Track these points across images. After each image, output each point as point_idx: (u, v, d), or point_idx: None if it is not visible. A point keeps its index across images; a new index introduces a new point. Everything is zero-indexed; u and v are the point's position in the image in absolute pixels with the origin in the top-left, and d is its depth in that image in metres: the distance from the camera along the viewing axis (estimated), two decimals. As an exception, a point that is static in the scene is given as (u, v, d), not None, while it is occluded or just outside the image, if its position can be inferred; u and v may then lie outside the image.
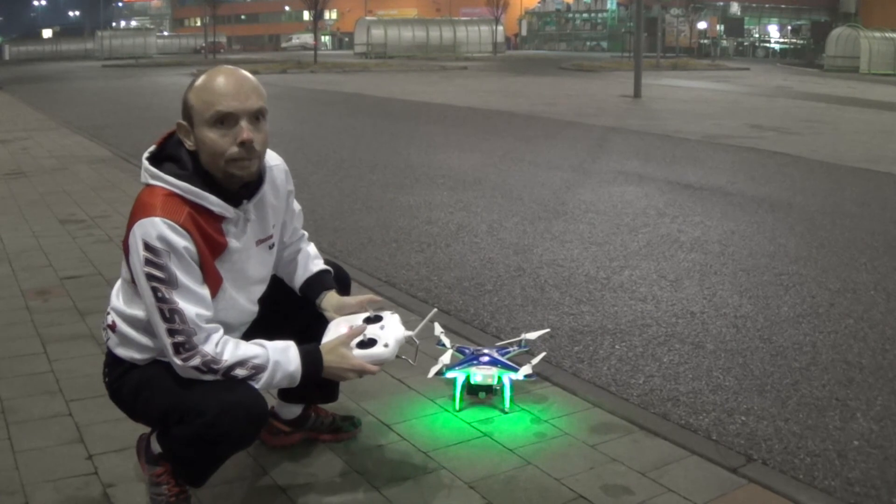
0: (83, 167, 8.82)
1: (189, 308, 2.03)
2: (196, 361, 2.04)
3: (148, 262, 2.01)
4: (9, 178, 8.13)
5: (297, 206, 2.54)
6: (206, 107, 2.07)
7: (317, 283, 2.52)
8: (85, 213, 6.43)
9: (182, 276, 2.03)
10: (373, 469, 2.61)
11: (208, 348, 2.05)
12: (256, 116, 2.12)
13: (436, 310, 2.70)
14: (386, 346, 2.27)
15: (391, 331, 2.30)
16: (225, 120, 2.07)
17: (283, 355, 2.13)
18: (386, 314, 2.38)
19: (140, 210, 2.06)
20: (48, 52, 63.98)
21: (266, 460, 2.65)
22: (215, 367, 2.04)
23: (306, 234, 2.62)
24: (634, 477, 2.58)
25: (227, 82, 2.09)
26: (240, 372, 2.07)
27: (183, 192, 2.08)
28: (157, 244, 2.01)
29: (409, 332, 2.34)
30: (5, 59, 60.30)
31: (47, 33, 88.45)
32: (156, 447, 2.29)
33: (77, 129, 12.66)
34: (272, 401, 2.74)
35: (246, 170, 2.13)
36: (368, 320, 2.34)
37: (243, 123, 2.08)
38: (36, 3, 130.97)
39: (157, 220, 2.02)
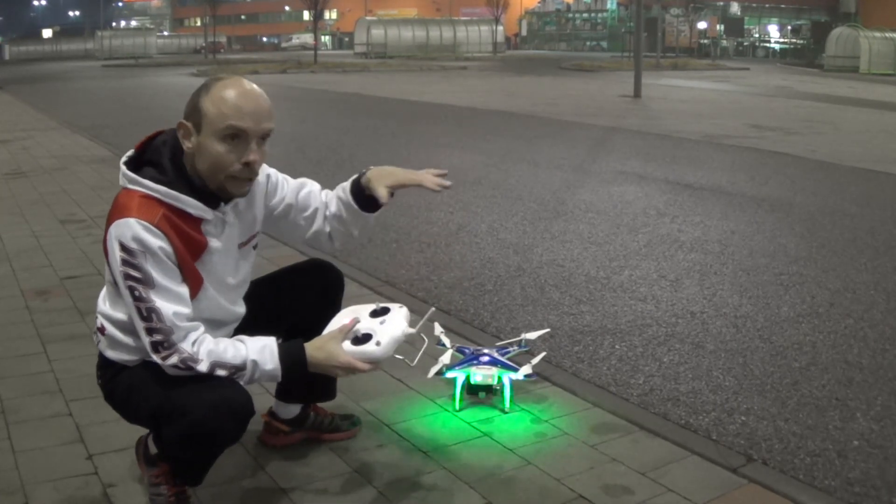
0: (83, 167, 8.83)
1: (166, 306, 2.03)
2: (174, 359, 2.04)
3: (124, 263, 2.02)
4: (9, 178, 8.13)
5: (279, 176, 2.43)
6: (221, 119, 2.07)
7: (355, 185, 2.41)
8: (85, 213, 6.43)
9: (158, 276, 2.04)
10: (373, 469, 2.61)
11: (185, 346, 2.05)
12: (263, 137, 2.14)
13: (433, 309, 2.69)
14: (378, 344, 2.17)
15: (389, 328, 2.21)
16: (236, 137, 2.09)
17: (260, 354, 2.11)
18: (394, 307, 2.30)
19: (116, 212, 2.08)
20: (48, 52, 64.02)
21: (266, 460, 2.65)
22: (193, 365, 2.05)
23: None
24: (634, 477, 2.58)
25: (248, 99, 2.10)
26: (220, 372, 2.07)
27: (160, 196, 2.09)
28: (132, 244, 2.02)
29: (411, 330, 2.25)
30: (5, 59, 60.32)
31: (47, 33, 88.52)
32: (153, 448, 2.30)
33: (77, 129, 12.66)
34: (271, 400, 2.75)
35: (241, 189, 2.17)
36: (375, 313, 2.27)
37: (253, 145, 2.11)
38: (36, 3, 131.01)
39: (132, 220, 2.03)
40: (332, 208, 2.45)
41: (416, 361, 2.37)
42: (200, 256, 2.17)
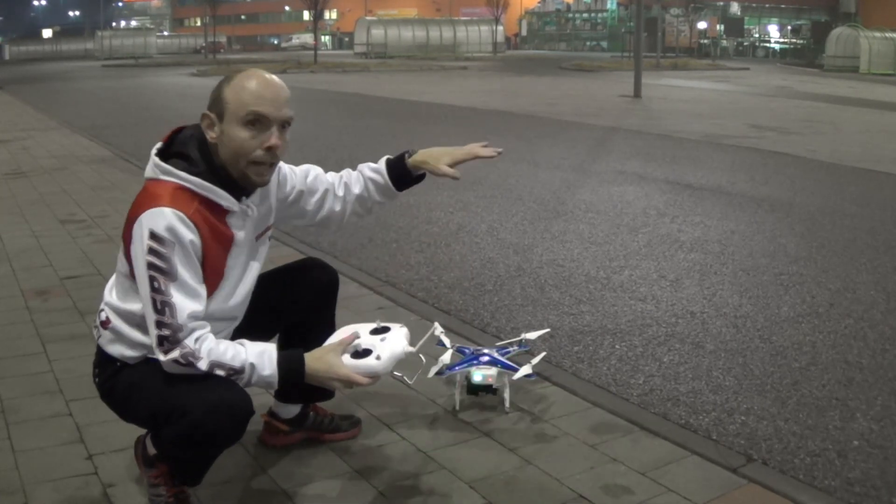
0: (83, 167, 8.83)
1: (182, 303, 2.03)
2: (175, 354, 2.04)
3: (151, 251, 2.02)
4: (9, 178, 8.13)
5: (286, 167, 2.47)
6: (242, 106, 2.11)
7: (396, 164, 2.51)
8: (85, 213, 6.43)
9: (182, 270, 2.04)
10: (373, 469, 2.61)
11: (188, 342, 2.05)
12: (284, 125, 2.17)
13: (437, 324, 2.69)
14: (378, 358, 2.18)
15: (390, 344, 2.22)
16: (258, 122, 2.12)
17: (259, 358, 2.11)
18: (395, 327, 2.31)
19: (148, 200, 2.07)
20: (48, 52, 64.03)
21: (266, 460, 2.65)
22: (194, 361, 2.05)
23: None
24: (634, 477, 2.58)
25: (267, 87, 2.14)
26: (219, 372, 2.07)
27: (194, 187, 2.11)
28: (165, 234, 2.02)
29: (411, 348, 2.26)
30: (5, 59, 60.31)
31: (47, 33, 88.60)
32: (151, 448, 2.30)
33: (77, 129, 12.66)
34: (271, 400, 2.75)
35: (262, 176, 2.19)
36: (375, 331, 2.27)
37: (274, 130, 2.14)
38: (36, 3, 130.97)
39: (168, 210, 2.04)
40: (356, 190, 2.51)
41: (414, 380, 2.37)
42: (230, 250, 2.19)
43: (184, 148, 2.17)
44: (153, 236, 2.02)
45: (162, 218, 2.03)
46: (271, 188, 2.37)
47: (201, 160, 2.15)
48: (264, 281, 2.53)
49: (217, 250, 2.14)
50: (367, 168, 2.53)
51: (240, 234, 2.22)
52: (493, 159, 2.50)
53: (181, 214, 2.04)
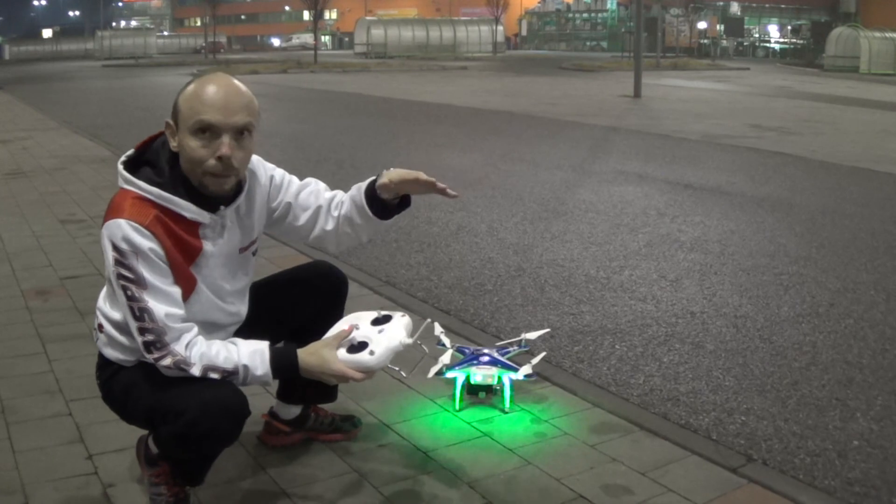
0: (83, 167, 8.83)
1: (159, 307, 2.03)
2: (167, 361, 2.04)
3: (117, 263, 2.03)
4: (9, 178, 8.13)
5: (285, 178, 2.40)
6: (192, 114, 2.06)
7: (369, 189, 2.35)
8: (85, 213, 6.43)
9: (150, 276, 2.03)
10: (373, 469, 2.61)
11: (178, 348, 2.05)
12: (241, 131, 2.09)
13: (429, 320, 2.66)
14: (372, 353, 2.14)
15: (386, 337, 2.17)
16: (207, 130, 2.06)
17: (251, 359, 2.10)
18: (396, 316, 2.26)
19: (110, 212, 2.08)
20: (48, 52, 63.97)
21: (266, 460, 2.65)
22: (186, 368, 2.05)
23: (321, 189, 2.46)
24: (634, 477, 2.58)
25: (217, 94, 2.07)
26: (213, 375, 2.07)
27: (153, 198, 2.08)
28: (123, 245, 2.02)
29: (408, 340, 2.21)
30: (5, 58, 60.26)
31: (47, 33, 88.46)
32: (153, 448, 2.30)
33: (77, 129, 12.67)
34: (272, 400, 2.75)
35: (220, 185, 2.12)
36: (376, 321, 2.23)
37: (225, 138, 2.07)
38: (36, 3, 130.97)
39: (123, 221, 2.03)
40: (344, 209, 2.40)
41: (411, 373, 2.33)
42: (195, 260, 2.16)
43: (154, 156, 2.15)
44: (115, 248, 2.03)
45: (118, 229, 2.03)
46: (258, 199, 2.32)
47: (168, 170, 2.12)
48: (271, 284, 2.52)
49: (180, 260, 2.11)
50: (354, 187, 2.41)
51: (209, 246, 2.17)
52: (435, 189, 2.28)
53: (135, 224, 2.03)
